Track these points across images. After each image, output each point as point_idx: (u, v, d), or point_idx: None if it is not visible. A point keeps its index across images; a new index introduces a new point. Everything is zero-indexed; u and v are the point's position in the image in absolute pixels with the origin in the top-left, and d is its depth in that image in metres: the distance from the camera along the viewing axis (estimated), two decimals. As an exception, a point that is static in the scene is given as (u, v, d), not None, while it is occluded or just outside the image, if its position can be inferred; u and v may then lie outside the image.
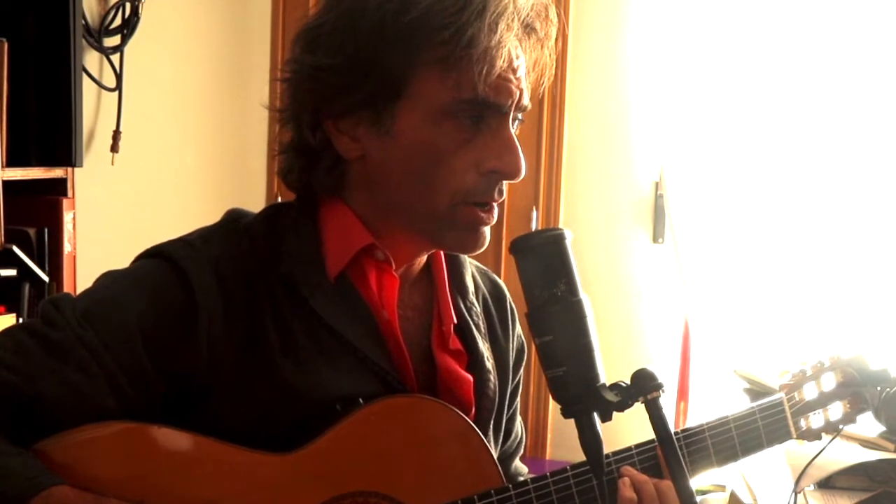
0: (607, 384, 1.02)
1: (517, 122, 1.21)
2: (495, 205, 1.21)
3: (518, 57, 1.18)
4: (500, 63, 1.15)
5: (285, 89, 1.24)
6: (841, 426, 1.50)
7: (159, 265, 1.18)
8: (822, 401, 1.48)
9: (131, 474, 1.12)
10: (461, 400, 1.28)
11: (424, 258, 1.30)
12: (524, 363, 1.44)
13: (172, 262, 1.17)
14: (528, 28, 1.19)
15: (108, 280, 1.21)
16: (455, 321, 1.30)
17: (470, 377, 1.29)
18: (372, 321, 1.23)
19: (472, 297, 1.34)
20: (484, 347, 1.32)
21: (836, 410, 1.50)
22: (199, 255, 1.18)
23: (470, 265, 1.37)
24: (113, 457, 1.12)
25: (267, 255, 1.21)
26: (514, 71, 1.17)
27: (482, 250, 1.23)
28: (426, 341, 1.29)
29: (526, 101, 1.20)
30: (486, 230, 1.22)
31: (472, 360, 1.30)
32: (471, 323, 1.32)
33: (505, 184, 1.21)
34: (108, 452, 1.12)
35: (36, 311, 1.99)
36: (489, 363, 1.32)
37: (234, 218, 1.26)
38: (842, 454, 1.89)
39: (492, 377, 1.31)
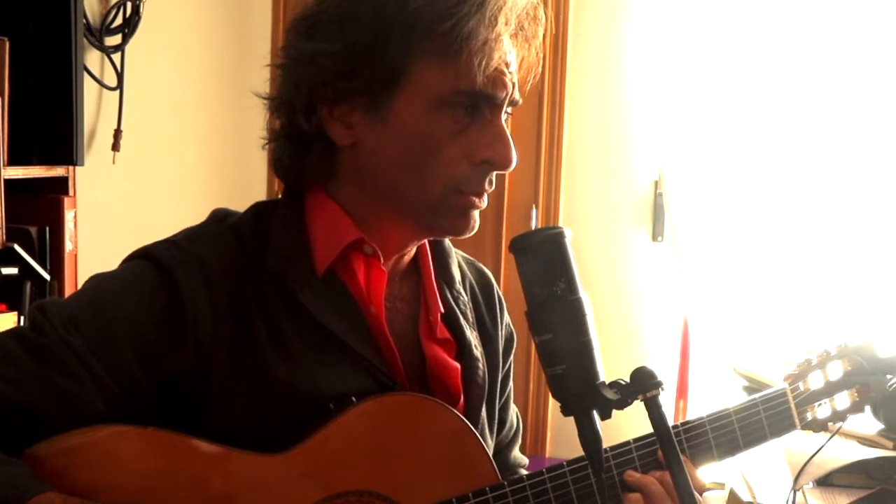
0: (607, 382, 1.03)
1: (506, 115, 1.22)
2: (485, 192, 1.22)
3: (510, 52, 1.19)
4: (497, 56, 1.16)
5: (279, 76, 1.24)
6: (849, 416, 1.46)
7: (145, 267, 1.18)
8: (829, 390, 1.45)
9: (122, 477, 1.11)
10: (450, 388, 1.28)
11: (413, 250, 1.30)
12: (513, 351, 1.44)
13: (158, 264, 1.17)
14: (519, 26, 1.20)
15: (95, 283, 1.21)
16: (442, 310, 1.31)
17: (458, 365, 1.29)
18: (360, 316, 1.23)
19: (458, 286, 1.34)
20: (472, 335, 1.32)
21: (843, 400, 1.45)
22: (185, 255, 1.18)
23: (456, 255, 1.38)
24: (103, 460, 1.12)
25: (254, 253, 1.21)
26: (508, 65, 1.19)
27: (473, 233, 1.23)
28: (415, 332, 1.29)
29: (517, 95, 1.21)
30: (477, 214, 1.22)
31: (460, 349, 1.31)
32: (458, 311, 1.32)
33: (495, 175, 1.22)
34: (98, 456, 1.12)
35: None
36: (477, 351, 1.32)
37: (219, 217, 1.26)
38: (840, 452, 1.90)
39: (480, 364, 1.31)
